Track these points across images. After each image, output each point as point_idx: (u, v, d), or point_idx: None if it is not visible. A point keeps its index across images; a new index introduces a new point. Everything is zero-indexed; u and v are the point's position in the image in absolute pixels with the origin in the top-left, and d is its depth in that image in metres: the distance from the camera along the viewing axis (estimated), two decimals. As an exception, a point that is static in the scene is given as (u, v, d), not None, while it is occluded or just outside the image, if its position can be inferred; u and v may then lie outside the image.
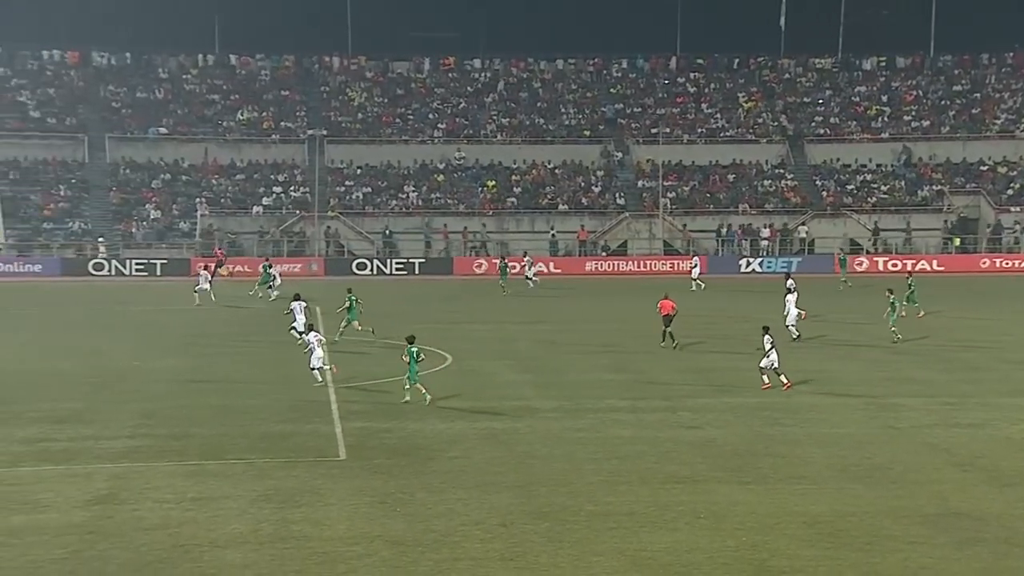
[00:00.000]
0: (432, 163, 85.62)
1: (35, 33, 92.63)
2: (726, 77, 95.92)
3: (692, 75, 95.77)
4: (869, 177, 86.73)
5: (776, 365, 33.69)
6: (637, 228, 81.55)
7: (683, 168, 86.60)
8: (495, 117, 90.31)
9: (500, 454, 26.52)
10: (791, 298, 44.13)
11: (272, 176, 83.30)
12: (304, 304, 42.14)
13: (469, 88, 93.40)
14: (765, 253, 79.11)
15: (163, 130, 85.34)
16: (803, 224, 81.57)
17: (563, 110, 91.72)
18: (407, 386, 31.61)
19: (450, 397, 32.78)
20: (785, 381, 33.75)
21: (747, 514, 21.99)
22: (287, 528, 21.07)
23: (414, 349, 31.30)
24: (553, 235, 79.53)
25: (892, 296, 42.94)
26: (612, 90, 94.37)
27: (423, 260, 74.74)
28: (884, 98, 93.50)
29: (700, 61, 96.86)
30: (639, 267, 75.75)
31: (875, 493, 23.40)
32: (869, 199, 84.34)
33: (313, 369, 33.78)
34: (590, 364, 38.57)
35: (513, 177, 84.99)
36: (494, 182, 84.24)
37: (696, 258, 66.89)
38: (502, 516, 21.78)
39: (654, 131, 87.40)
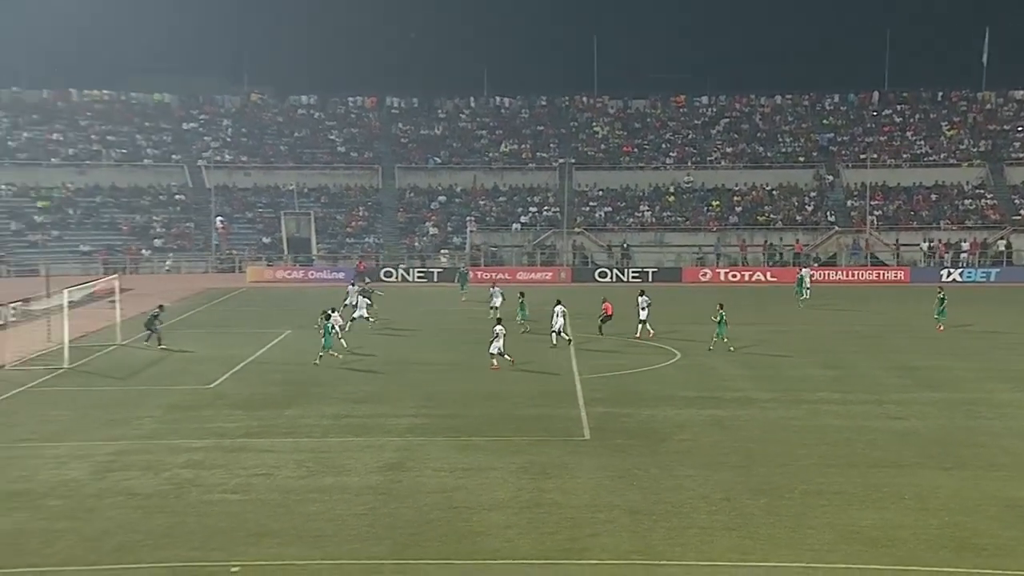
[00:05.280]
0: (664, 186, 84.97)
1: (343, 83, 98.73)
2: (930, 109, 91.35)
3: (898, 107, 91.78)
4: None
5: (501, 351, 34.86)
6: (846, 242, 78.66)
7: (888, 189, 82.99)
8: (719, 146, 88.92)
9: (723, 438, 26.15)
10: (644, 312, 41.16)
11: (528, 198, 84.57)
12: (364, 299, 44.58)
13: (697, 121, 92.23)
14: (965, 264, 74.90)
15: (440, 160, 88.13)
16: (1002, 238, 76.81)
17: (780, 139, 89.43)
18: (320, 353, 35.42)
19: (679, 387, 32.54)
20: (509, 358, 34.91)
21: (949, 497, 20.98)
22: (541, 496, 21.36)
23: (328, 323, 35.45)
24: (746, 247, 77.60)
25: (721, 310, 38.85)
26: (824, 121, 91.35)
27: (655, 269, 74.18)
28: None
29: (905, 95, 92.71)
30: (848, 277, 72.98)
31: (1072, 483, 21.91)
32: (1068, 215, 78.68)
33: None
34: (803, 361, 37.48)
35: (735, 198, 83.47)
36: (718, 202, 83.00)
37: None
38: (725, 491, 21.50)
39: (863, 157, 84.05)
